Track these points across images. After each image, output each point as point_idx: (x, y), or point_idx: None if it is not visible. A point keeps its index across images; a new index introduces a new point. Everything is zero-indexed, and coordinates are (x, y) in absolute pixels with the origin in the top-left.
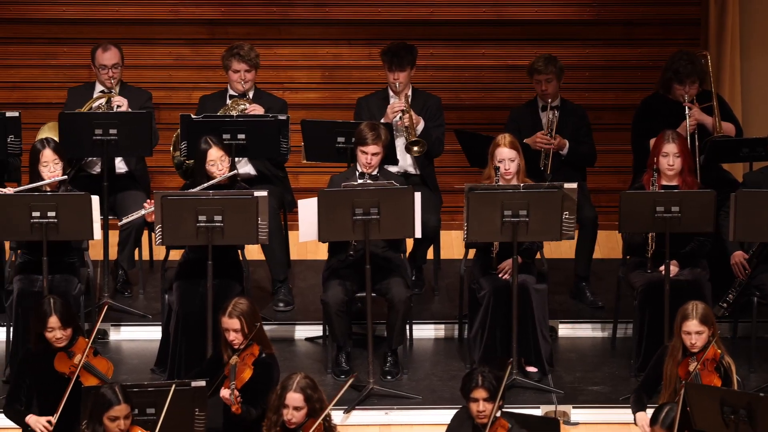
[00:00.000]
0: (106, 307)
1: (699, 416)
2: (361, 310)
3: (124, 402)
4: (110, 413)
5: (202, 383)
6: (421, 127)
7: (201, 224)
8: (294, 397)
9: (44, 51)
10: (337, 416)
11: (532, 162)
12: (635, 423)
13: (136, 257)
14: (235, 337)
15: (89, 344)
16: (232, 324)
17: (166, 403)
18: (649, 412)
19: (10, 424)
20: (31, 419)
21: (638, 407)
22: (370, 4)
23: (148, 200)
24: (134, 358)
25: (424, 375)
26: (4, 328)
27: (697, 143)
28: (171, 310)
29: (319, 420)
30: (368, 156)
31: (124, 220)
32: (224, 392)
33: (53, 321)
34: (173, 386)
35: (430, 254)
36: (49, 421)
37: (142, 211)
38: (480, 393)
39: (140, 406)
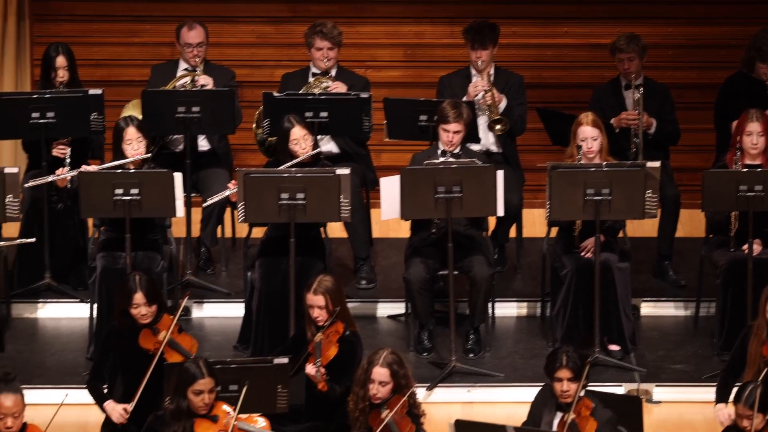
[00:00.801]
0: (187, 295)
1: None
2: (443, 288)
3: (209, 376)
4: (195, 387)
5: (285, 360)
6: (503, 105)
7: (283, 202)
8: (380, 372)
9: (128, 29)
10: (419, 393)
11: (616, 141)
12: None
13: (219, 234)
14: (319, 314)
15: (174, 321)
16: (316, 301)
17: (248, 380)
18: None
19: (93, 400)
20: (108, 406)
21: (721, 396)
22: None
23: (232, 181)
24: (217, 335)
25: (507, 353)
26: (88, 305)
27: None
28: (253, 288)
29: (405, 397)
30: (450, 134)
31: (209, 201)
32: (310, 369)
33: (138, 297)
34: (255, 363)
35: (512, 232)
36: (125, 410)
37: (226, 192)
38: (564, 373)
39: (223, 383)
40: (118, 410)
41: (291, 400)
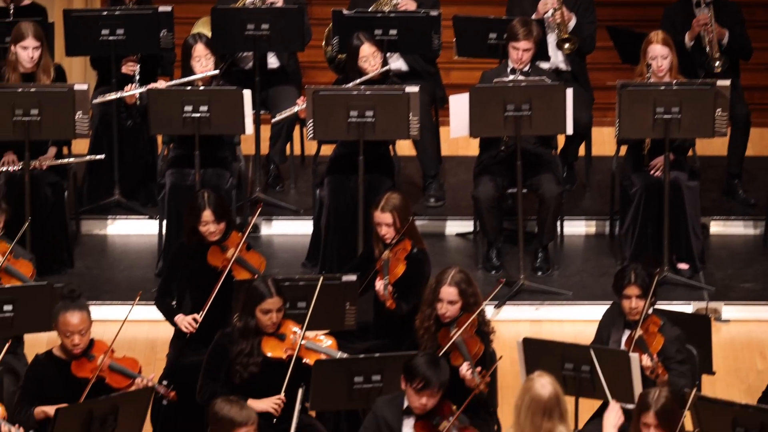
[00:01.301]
0: (260, 207)
1: None
2: (511, 206)
3: (277, 295)
4: (263, 306)
5: (353, 277)
6: (572, 23)
7: (352, 119)
8: (449, 291)
9: None
10: (488, 311)
11: (686, 59)
12: None
13: (288, 152)
14: (387, 232)
15: (243, 238)
16: (384, 218)
17: (315, 296)
18: None
19: (161, 315)
20: (178, 318)
21: None
22: None
23: (301, 98)
24: (285, 252)
25: (575, 271)
26: (157, 222)
27: None
28: (322, 205)
29: (474, 315)
30: (520, 52)
31: (277, 117)
32: (379, 287)
33: (207, 215)
34: (323, 280)
35: (581, 151)
36: (194, 319)
37: (295, 108)
38: (633, 290)
39: (291, 300)
40: (187, 320)
41: (359, 318)
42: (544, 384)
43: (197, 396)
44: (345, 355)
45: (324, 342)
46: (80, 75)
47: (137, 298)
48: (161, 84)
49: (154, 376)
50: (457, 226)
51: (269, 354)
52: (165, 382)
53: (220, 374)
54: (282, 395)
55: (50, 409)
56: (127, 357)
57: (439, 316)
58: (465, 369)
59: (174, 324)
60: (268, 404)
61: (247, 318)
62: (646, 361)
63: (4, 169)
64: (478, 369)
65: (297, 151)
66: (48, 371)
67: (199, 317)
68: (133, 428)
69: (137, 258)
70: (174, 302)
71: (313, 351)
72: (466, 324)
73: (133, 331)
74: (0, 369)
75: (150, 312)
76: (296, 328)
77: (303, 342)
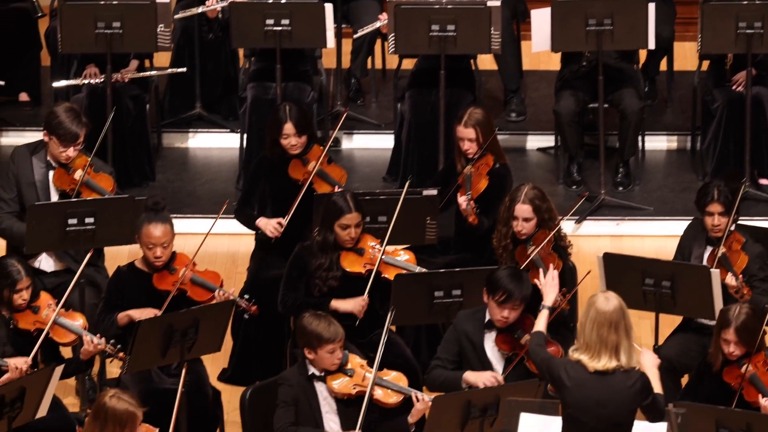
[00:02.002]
0: (345, 114)
1: None
2: (593, 120)
3: (356, 210)
4: (342, 221)
5: (434, 192)
6: None
7: (434, 33)
8: (523, 209)
9: None
10: (568, 227)
11: None
12: None
13: (369, 66)
14: (469, 147)
15: (324, 151)
16: (467, 133)
17: (396, 211)
18: None
19: (243, 229)
20: (261, 221)
21: None
22: None
23: (383, 13)
24: (366, 166)
25: (656, 186)
26: (238, 135)
27: None
28: (403, 119)
29: (551, 233)
30: None
31: (359, 33)
32: (461, 201)
33: (288, 128)
34: (404, 194)
35: (663, 65)
36: (279, 223)
37: (377, 24)
38: (715, 207)
39: (371, 214)
40: (272, 224)
41: (440, 233)
42: (609, 297)
43: (279, 305)
44: (424, 270)
45: (402, 256)
46: None
47: (221, 211)
48: None
49: (235, 290)
50: (538, 141)
51: (348, 268)
52: (246, 296)
53: (301, 285)
54: (366, 296)
55: (135, 313)
56: (208, 270)
57: (515, 234)
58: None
59: (256, 229)
60: (353, 305)
61: (326, 232)
62: (731, 280)
63: (86, 82)
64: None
65: (378, 64)
66: (130, 283)
67: (284, 221)
68: (213, 341)
69: (218, 171)
70: (254, 212)
71: (392, 265)
72: (543, 242)
73: (214, 244)
74: (81, 281)
75: (231, 225)
76: (375, 243)
77: (382, 257)
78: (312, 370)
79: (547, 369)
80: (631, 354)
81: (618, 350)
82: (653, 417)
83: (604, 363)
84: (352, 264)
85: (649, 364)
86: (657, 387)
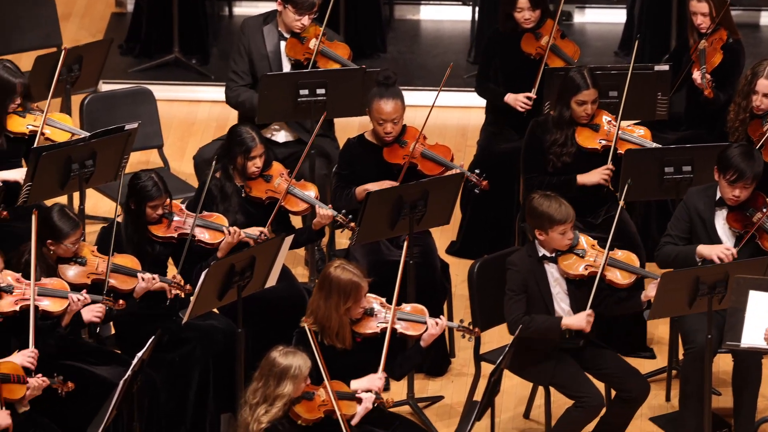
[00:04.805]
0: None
1: None
2: None
3: (593, 86)
4: (578, 97)
5: (666, 67)
6: None
7: None
8: (765, 84)
9: None
10: None
11: None
12: None
13: None
14: (702, 21)
15: (555, 25)
16: (700, 8)
17: (626, 85)
18: None
19: (473, 101)
20: (509, 98)
21: None
22: None
23: None
24: (598, 40)
25: None
26: (470, 8)
27: None
28: None
29: None
30: None
31: None
32: (696, 75)
33: (523, 1)
34: (634, 69)
35: None
36: (527, 97)
37: None
38: None
39: (602, 89)
40: (521, 99)
41: (671, 109)
42: None
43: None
44: (657, 146)
45: (636, 131)
46: None
47: (444, 78)
48: None
49: (464, 164)
50: None
51: (583, 144)
52: (477, 171)
53: (541, 161)
54: (609, 163)
55: (372, 186)
56: (438, 144)
57: (752, 108)
58: None
59: (505, 102)
60: (599, 176)
61: (562, 108)
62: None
63: None
64: None
65: None
66: (360, 155)
67: (532, 94)
68: (442, 214)
69: (450, 44)
70: (493, 85)
71: (627, 141)
72: None
73: (444, 117)
74: (312, 152)
75: (462, 98)
76: (610, 118)
77: (619, 132)
78: (542, 251)
79: None
80: None
81: None
82: None
83: None
84: (587, 140)
85: None
86: None
